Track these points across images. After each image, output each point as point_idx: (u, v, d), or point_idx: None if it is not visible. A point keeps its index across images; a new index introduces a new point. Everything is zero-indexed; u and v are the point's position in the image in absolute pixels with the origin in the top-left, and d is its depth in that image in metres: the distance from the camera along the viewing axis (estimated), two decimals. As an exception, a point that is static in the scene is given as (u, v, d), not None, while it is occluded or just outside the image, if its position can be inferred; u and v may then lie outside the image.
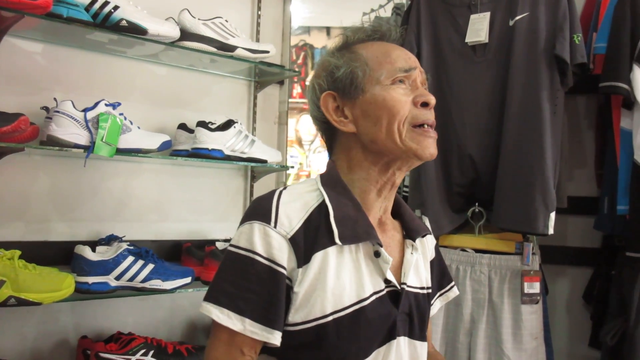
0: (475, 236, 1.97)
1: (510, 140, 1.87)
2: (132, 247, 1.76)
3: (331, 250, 1.03)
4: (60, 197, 1.84)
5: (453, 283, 1.33)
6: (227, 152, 1.96)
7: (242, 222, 1.05)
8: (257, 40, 2.31)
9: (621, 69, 1.80)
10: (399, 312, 1.07)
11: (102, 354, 1.68)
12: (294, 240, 1.01)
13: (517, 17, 1.89)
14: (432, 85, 2.02)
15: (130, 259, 1.73)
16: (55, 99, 1.68)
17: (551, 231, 1.83)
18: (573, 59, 1.83)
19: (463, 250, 1.97)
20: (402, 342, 1.08)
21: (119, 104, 1.75)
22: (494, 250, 1.95)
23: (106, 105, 1.71)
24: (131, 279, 1.73)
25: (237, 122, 2.00)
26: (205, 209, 2.16)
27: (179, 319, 2.07)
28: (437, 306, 1.29)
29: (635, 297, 1.79)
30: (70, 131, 1.64)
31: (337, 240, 1.02)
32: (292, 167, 2.46)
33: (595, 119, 2.20)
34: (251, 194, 2.25)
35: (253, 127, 2.30)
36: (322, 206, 1.06)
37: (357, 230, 1.05)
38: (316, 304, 1.00)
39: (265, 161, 2.07)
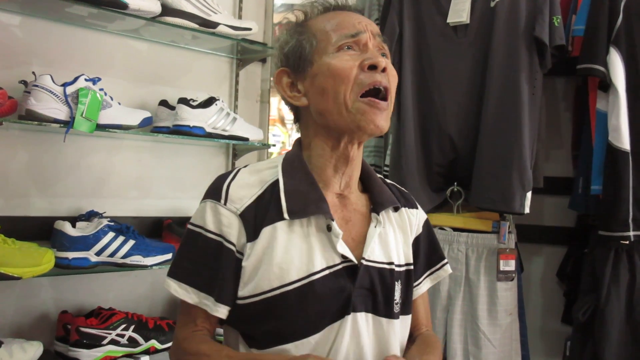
0: (454, 215, 2.00)
1: (489, 121, 1.89)
2: (112, 223, 1.76)
3: (280, 225, 1.04)
4: (40, 172, 1.82)
5: (445, 261, 1.27)
6: (208, 129, 1.96)
7: (201, 200, 1.09)
8: (240, 17, 2.29)
9: (598, 52, 1.82)
10: (355, 287, 1.04)
11: (82, 329, 1.69)
12: (244, 216, 1.04)
13: (499, -1, 1.90)
14: (414, 65, 2.04)
15: (111, 234, 1.73)
16: (33, 72, 1.66)
17: (527, 210, 1.87)
18: (552, 41, 1.85)
19: (441, 228, 2.00)
20: (360, 318, 1.05)
21: (99, 79, 1.73)
22: (471, 229, 1.98)
23: (86, 80, 1.69)
24: (112, 255, 1.73)
25: (218, 100, 1.99)
26: (186, 186, 2.16)
27: (159, 295, 2.08)
28: (426, 285, 1.25)
29: (606, 274, 1.84)
30: (50, 106, 1.63)
31: (285, 215, 1.04)
32: (274, 145, 2.45)
33: (573, 101, 2.22)
34: (233, 172, 2.25)
35: (235, 105, 2.30)
36: (277, 182, 1.08)
37: (307, 205, 1.04)
38: (263, 278, 1.02)
39: (246, 139, 2.07)
